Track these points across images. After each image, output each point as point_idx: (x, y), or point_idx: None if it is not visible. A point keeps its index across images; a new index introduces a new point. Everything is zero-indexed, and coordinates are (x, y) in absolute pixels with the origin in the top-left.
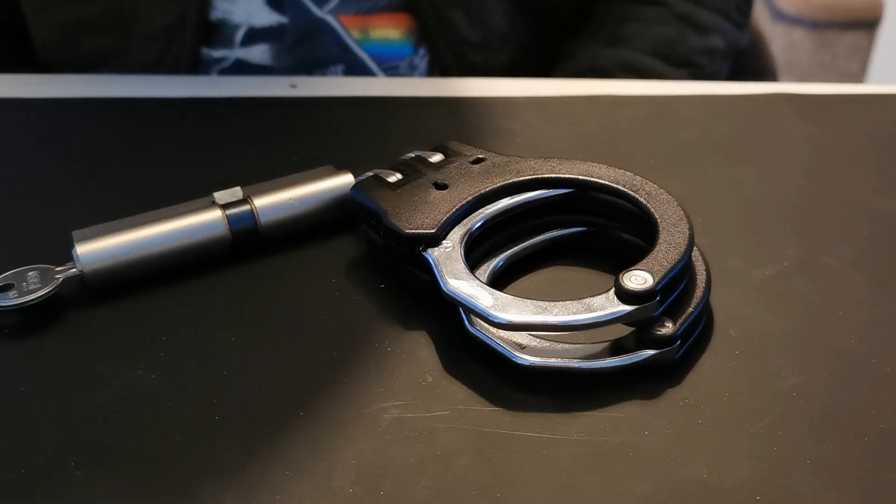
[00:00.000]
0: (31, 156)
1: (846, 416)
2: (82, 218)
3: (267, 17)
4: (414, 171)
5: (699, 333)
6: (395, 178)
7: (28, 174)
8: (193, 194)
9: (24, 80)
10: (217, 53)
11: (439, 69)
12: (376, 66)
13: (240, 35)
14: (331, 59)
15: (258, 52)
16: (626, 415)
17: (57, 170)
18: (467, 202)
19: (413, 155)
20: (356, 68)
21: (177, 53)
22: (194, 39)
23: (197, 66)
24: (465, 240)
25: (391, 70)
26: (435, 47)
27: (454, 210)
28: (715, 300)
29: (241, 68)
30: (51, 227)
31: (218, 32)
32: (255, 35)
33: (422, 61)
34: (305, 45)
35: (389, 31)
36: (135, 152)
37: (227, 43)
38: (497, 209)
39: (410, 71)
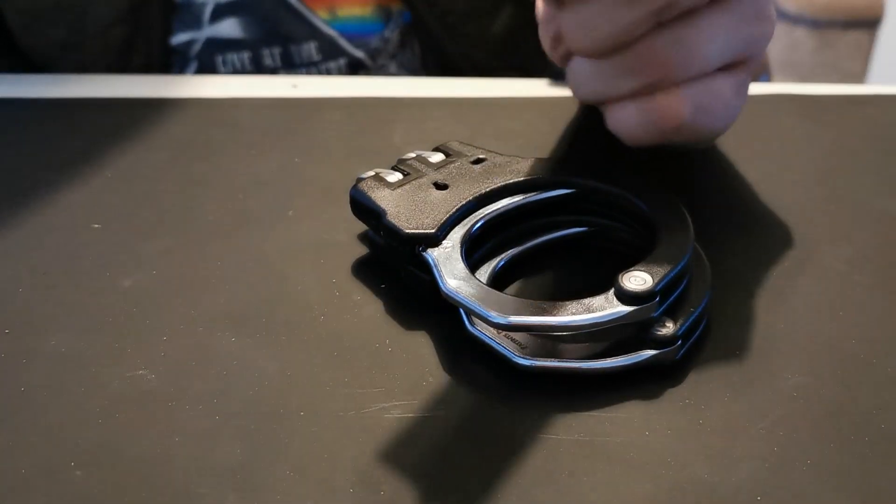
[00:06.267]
0: (31, 155)
1: (847, 417)
2: (83, 219)
3: None
4: (414, 170)
5: (700, 334)
6: (395, 177)
7: (28, 173)
8: (197, 194)
9: (24, 81)
10: (185, 37)
11: (420, 41)
12: (348, 43)
13: (207, 12)
14: (301, 37)
15: (227, 27)
16: (627, 415)
17: (58, 169)
18: (468, 202)
19: (414, 155)
20: (328, 46)
21: (146, 35)
22: (161, 18)
23: (169, 54)
24: (465, 240)
25: (363, 46)
26: (420, 19)
27: (454, 210)
28: (716, 301)
29: (214, 46)
30: (47, 231)
31: (185, 13)
32: (222, 10)
33: (393, 33)
34: (272, 21)
35: (356, 8)
36: (136, 152)
37: (196, 23)
38: (497, 209)
39: (384, 44)
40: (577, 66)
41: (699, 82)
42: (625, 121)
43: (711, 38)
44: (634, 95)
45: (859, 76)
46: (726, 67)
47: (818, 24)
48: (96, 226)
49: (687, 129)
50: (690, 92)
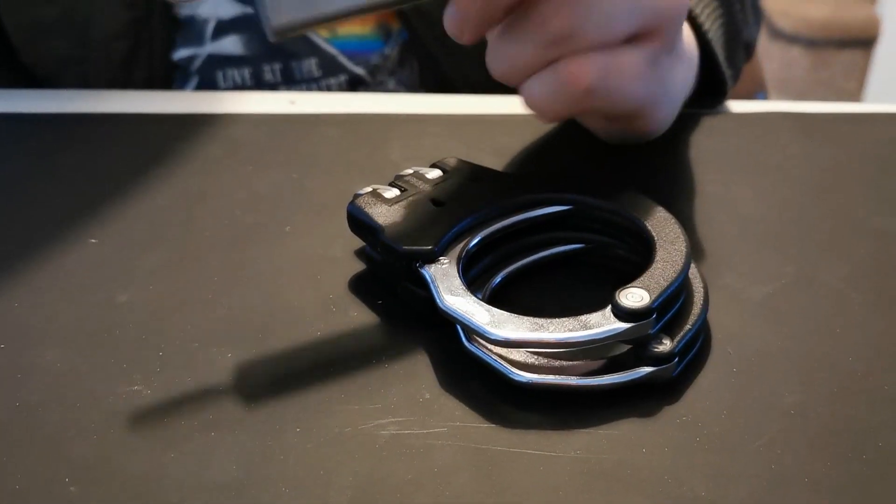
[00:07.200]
0: (30, 170)
1: (844, 435)
2: (80, 234)
3: (233, 9)
4: (412, 187)
5: (697, 351)
6: (392, 193)
7: (28, 188)
8: (195, 210)
9: (24, 95)
10: (187, 52)
11: (419, 59)
12: (348, 60)
13: (209, 29)
14: (302, 53)
15: (229, 43)
16: (624, 432)
17: (57, 184)
18: (465, 219)
19: (411, 171)
20: (329, 62)
21: (148, 49)
22: (163, 34)
23: (171, 69)
24: (462, 256)
25: (363, 63)
26: (419, 38)
27: (452, 226)
28: (712, 318)
29: (215, 62)
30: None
31: (187, 29)
32: (224, 27)
33: (392, 51)
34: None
35: (356, 27)
36: (133, 168)
37: (198, 39)
38: (494, 226)
39: (383, 61)
40: (490, 45)
41: (606, 50)
42: (536, 91)
43: (614, 5)
44: (543, 64)
45: (855, 95)
46: (635, 40)
47: (814, 43)
48: (93, 241)
49: (599, 94)
50: (596, 56)
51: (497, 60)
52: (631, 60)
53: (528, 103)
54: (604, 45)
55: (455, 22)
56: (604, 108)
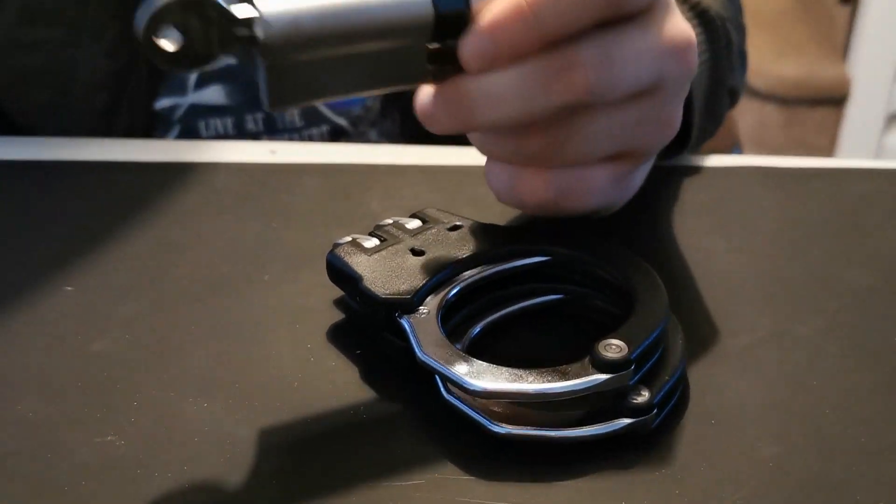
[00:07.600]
0: (6, 217)
1: (822, 488)
2: (56, 282)
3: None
4: (391, 237)
5: (675, 403)
6: (372, 243)
7: (5, 235)
8: (172, 258)
9: (3, 143)
10: (169, 102)
11: (400, 110)
12: (330, 111)
13: (192, 79)
14: None
15: (212, 93)
16: (603, 485)
17: (35, 231)
18: (444, 269)
19: (391, 221)
20: (311, 112)
21: (131, 99)
22: (146, 84)
23: (153, 118)
24: (441, 306)
25: (346, 113)
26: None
27: (431, 277)
28: (690, 369)
29: (197, 111)
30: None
31: (171, 78)
32: (207, 77)
33: (374, 102)
34: (255, 87)
35: None
36: (112, 216)
37: (181, 89)
38: (474, 276)
39: (365, 112)
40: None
41: (570, 169)
42: (493, 179)
43: (599, 134)
44: (509, 160)
45: (827, 151)
46: (610, 158)
47: (787, 101)
48: (69, 288)
49: (551, 208)
50: (558, 176)
51: (473, 140)
52: (596, 179)
53: (487, 179)
54: (574, 164)
55: (423, 120)
56: (554, 216)
